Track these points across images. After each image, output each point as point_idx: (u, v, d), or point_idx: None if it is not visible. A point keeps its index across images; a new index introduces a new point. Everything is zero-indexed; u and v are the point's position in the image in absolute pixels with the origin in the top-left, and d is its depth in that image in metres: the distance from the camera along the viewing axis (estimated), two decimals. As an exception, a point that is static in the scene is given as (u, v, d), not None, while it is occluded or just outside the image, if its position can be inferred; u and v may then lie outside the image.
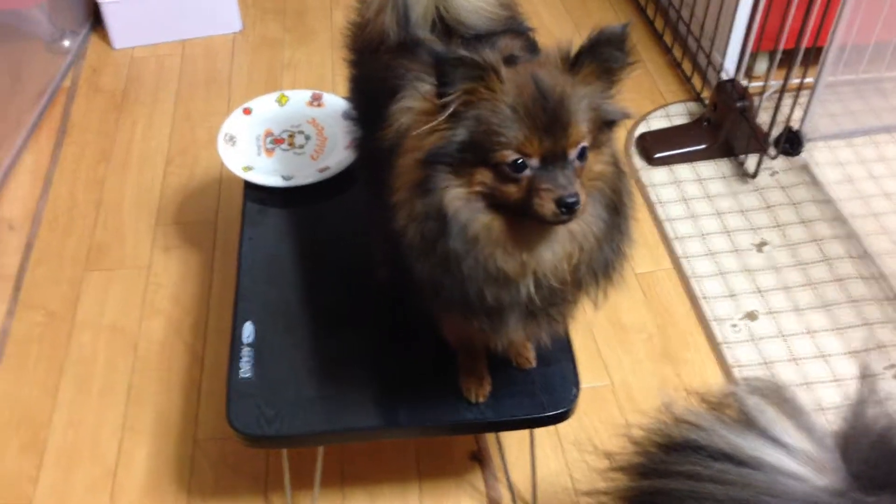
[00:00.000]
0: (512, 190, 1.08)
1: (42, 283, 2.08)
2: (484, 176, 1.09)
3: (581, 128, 1.08)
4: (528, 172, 1.07)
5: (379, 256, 1.41)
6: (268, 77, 2.71)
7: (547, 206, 1.07)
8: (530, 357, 1.47)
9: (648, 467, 1.04)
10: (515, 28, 1.39)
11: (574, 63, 1.09)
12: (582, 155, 1.09)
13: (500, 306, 1.18)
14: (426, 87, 1.15)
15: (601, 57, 1.09)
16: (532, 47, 1.37)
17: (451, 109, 1.06)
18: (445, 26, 1.31)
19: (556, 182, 1.06)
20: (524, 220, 1.10)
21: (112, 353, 1.94)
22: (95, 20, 2.88)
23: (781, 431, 0.96)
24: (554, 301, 1.21)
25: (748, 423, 0.98)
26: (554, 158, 1.07)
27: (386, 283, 1.43)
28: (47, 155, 2.43)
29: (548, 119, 1.06)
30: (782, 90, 2.20)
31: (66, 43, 2.77)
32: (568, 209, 1.06)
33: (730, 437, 0.97)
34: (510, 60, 1.22)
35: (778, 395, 1.01)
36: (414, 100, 1.19)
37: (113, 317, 2.01)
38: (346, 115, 1.49)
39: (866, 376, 1.01)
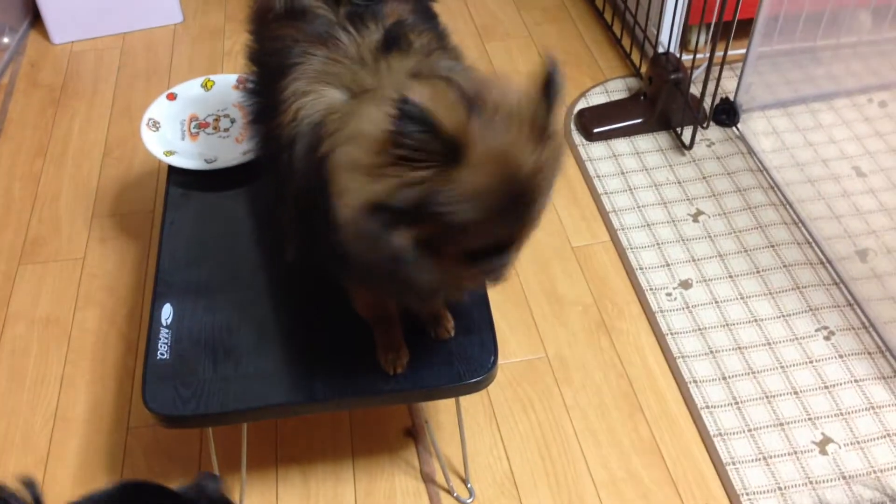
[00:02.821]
0: (462, 259, 1.09)
1: (-24, 279, 2.08)
2: (439, 236, 1.05)
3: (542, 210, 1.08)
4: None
5: (289, 235, 1.41)
6: (208, 67, 2.70)
7: (481, 280, 1.14)
8: (449, 327, 1.47)
9: None
10: None
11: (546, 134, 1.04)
12: None
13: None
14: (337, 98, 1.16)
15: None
16: (424, 11, 1.37)
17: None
18: None
19: (499, 263, 1.10)
20: None
21: (45, 344, 1.93)
22: (34, 16, 2.87)
23: None
24: None
25: None
26: (509, 243, 1.09)
27: (295, 261, 1.43)
28: (-17, 151, 2.41)
29: (519, 216, 1.06)
30: (709, 62, 2.21)
31: (5, 39, 2.75)
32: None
33: None
34: (397, 28, 1.22)
35: None
36: (309, 84, 1.19)
37: (47, 309, 2.00)
38: (244, 87, 1.48)
39: None
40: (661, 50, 2.49)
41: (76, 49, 2.79)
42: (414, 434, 1.78)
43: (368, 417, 1.80)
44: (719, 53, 2.22)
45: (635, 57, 2.65)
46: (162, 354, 1.45)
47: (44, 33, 2.81)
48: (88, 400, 1.83)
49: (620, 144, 2.41)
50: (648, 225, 2.18)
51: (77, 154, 2.40)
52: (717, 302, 1.99)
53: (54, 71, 2.70)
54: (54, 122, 2.51)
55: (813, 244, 2.10)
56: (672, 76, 2.31)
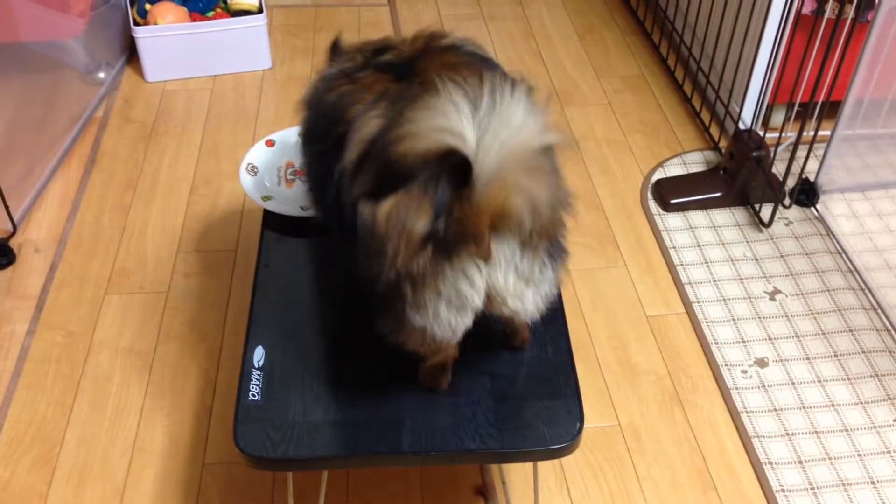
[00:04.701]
0: None
1: (64, 305, 2.13)
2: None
3: None
4: None
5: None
6: (294, 112, 2.77)
7: None
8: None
9: None
10: None
11: None
12: None
13: None
14: None
15: None
16: None
17: None
18: None
19: None
20: None
21: (127, 374, 1.98)
22: (130, 53, 2.98)
23: None
24: None
25: None
26: None
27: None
28: (76, 181, 2.49)
29: None
30: (797, 142, 2.22)
31: (101, 74, 2.86)
32: None
33: None
34: None
35: None
36: None
37: (130, 339, 2.05)
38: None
39: None
40: (741, 126, 2.52)
41: (168, 88, 2.89)
42: (484, 493, 1.78)
43: (440, 473, 1.80)
44: (803, 133, 2.23)
45: (714, 131, 2.67)
46: (253, 396, 1.48)
47: (139, 71, 2.92)
48: (166, 433, 1.86)
49: (697, 217, 2.42)
50: (724, 300, 2.18)
51: (165, 189, 2.47)
52: (793, 383, 1.97)
53: (146, 108, 2.80)
54: (145, 157, 2.59)
55: (892, 332, 2.08)
56: (755, 153, 2.33)
